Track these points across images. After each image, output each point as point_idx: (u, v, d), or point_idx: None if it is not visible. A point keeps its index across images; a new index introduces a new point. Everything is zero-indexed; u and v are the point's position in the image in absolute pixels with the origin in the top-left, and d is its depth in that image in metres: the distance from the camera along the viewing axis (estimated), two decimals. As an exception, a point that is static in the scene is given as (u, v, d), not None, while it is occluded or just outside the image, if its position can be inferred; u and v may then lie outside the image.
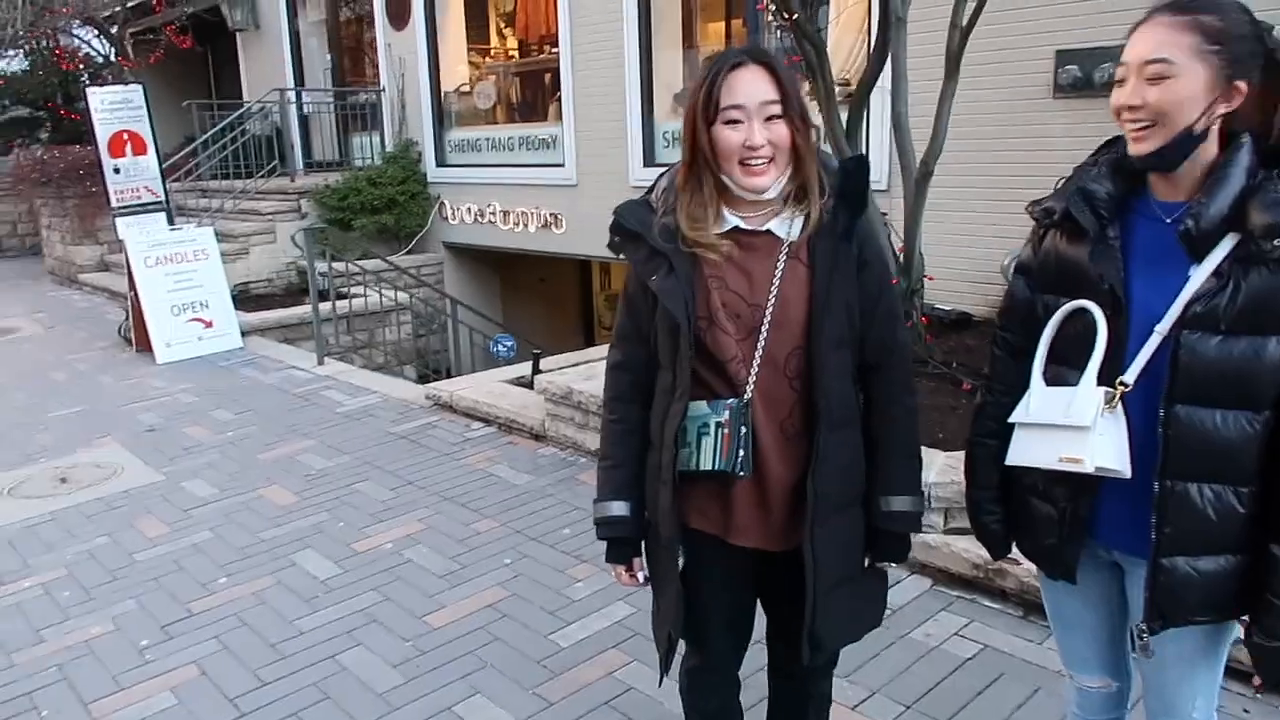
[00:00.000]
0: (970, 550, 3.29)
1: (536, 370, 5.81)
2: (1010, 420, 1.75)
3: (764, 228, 1.80)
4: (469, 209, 10.03)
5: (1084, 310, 1.65)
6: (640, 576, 1.95)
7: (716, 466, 1.79)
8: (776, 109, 1.70)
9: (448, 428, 5.56)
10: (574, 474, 4.74)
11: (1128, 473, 1.58)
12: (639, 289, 1.89)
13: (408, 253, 10.20)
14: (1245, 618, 1.63)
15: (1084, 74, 5.23)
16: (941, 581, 3.39)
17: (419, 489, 4.64)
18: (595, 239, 8.53)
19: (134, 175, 7.97)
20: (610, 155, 8.51)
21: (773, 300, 1.78)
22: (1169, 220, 1.59)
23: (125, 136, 7.94)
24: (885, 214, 5.10)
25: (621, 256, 1.91)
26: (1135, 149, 1.57)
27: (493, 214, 9.78)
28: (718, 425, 1.80)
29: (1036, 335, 1.75)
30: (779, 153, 1.72)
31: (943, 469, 3.42)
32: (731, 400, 1.80)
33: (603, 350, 5.91)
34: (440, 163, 10.47)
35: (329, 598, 3.61)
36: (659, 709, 2.78)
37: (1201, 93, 1.50)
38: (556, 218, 9.18)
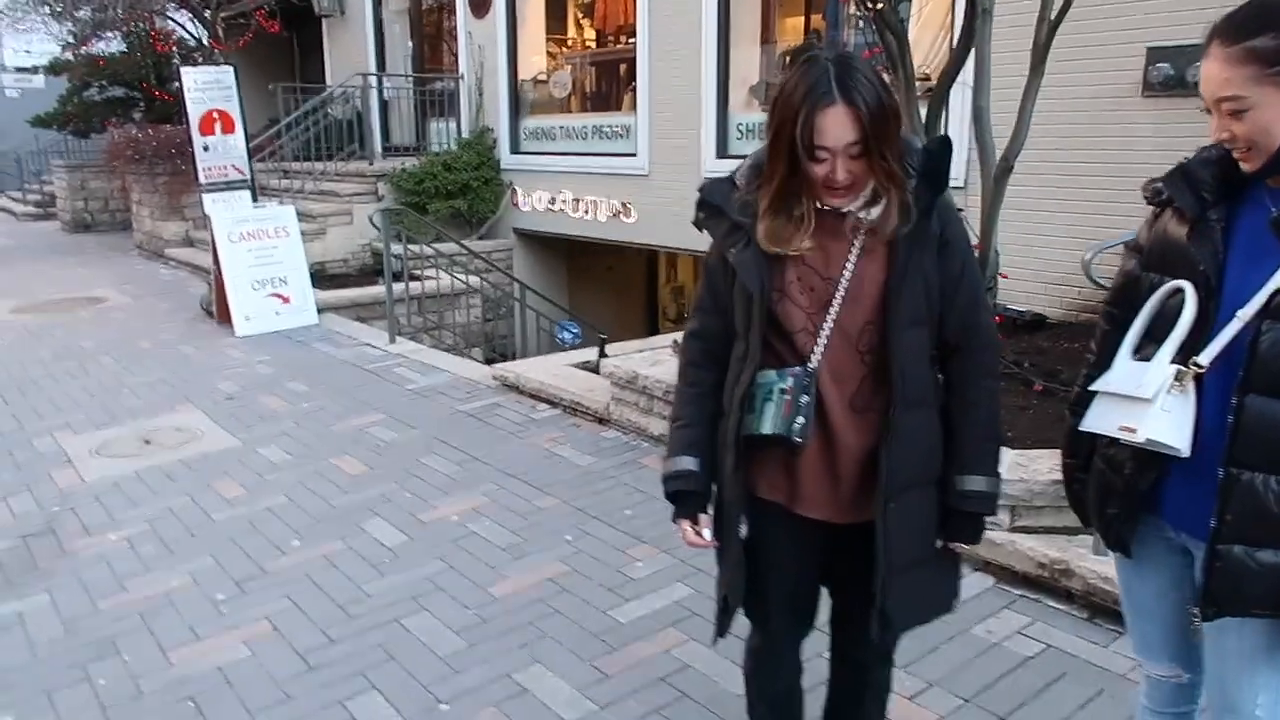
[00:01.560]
0: (1036, 549, 3.24)
1: (602, 355, 5.87)
2: (1092, 388, 1.74)
3: (845, 209, 1.81)
4: (540, 196, 10.14)
5: (1181, 290, 1.64)
6: (707, 534, 1.97)
7: (774, 430, 1.81)
8: (858, 149, 1.70)
9: (513, 408, 5.65)
10: (637, 458, 4.78)
11: (1186, 451, 1.58)
12: (719, 261, 1.92)
13: (480, 237, 10.35)
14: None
15: (1176, 72, 5.09)
16: (1005, 580, 3.35)
17: (484, 465, 4.73)
18: (664, 229, 8.48)
19: (222, 154, 8.22)
20: (683, 146, 8.53)
21: (847, 275, 1.80)
22: (1275, 209, 1.56)
23: (215, 115, 8.20)
24: (961, 210, 5.03)
25: (704, 232, 1.94)
26: (1244, 167, 1.56)
27: (564, 202, 9.88)
28: (781, 392, 1.83)
29: (1135, 309, 1.74)
30: (859, 181, 1.74)
31: (1011, 466, 3.37)
32: (797, 369, 1.82)
33: (667, 339, 5.95)
34: (515, 150, 10.60)
35: (395, 564, 3.70)
36: (714, 687, 2.80)
37: None
38: (626, 207, 9.23)
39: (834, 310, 1.81)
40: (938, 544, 1.93)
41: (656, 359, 5.18)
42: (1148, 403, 1.60)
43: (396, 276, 7.75)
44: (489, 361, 8.15)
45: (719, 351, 1.98)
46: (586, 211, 9.67)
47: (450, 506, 4.24)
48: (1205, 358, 1.58)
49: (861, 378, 1.83)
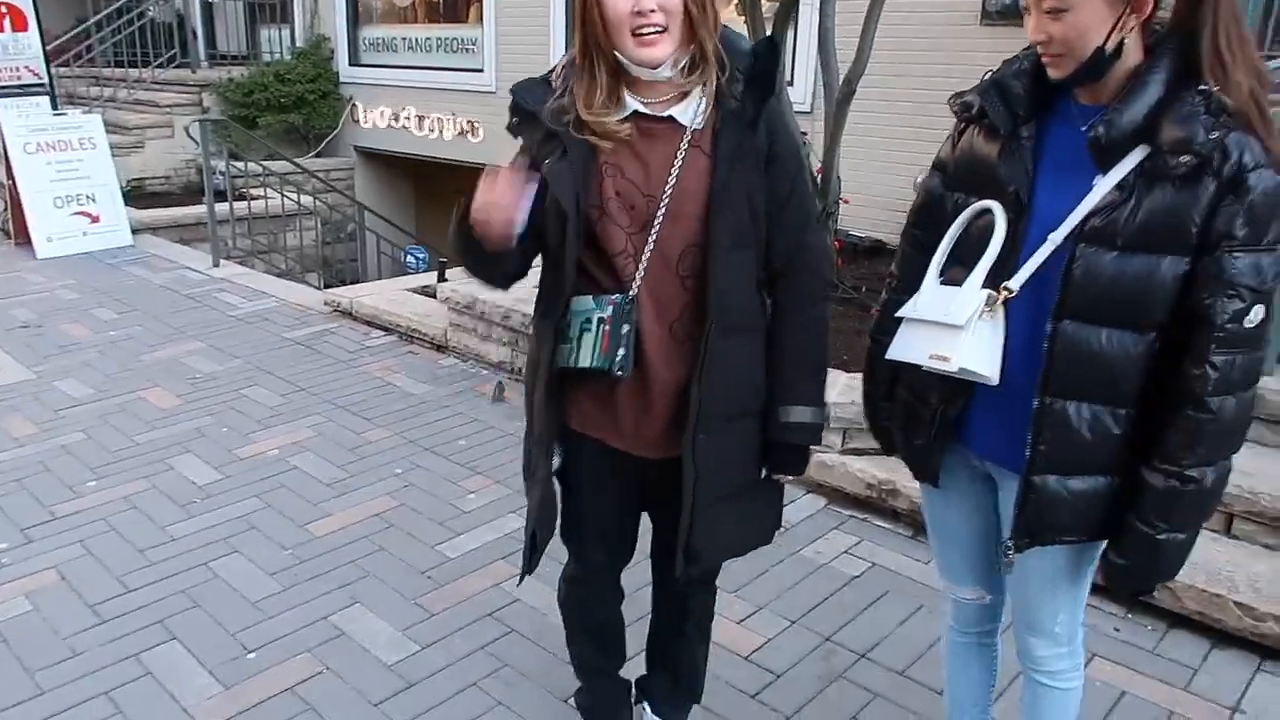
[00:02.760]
0: (865, 470, 3.28)
1: (441, 279, 5.61)
2: (898, 315, 1.69)
3: (666, 114, 1.67)
4: (383, 112, 9.59)
5: (988, 211, 1.59)
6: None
7: (594, 363, 1.70)
8: None
9: (346, 335, 5.35)
10: (474, 385, 4.61)
11: (994, 379, 1.55)
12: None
13: (316, 155, 9.74)
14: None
15: (1013, 1, 5.15)
16: (836, 501, 3.39)
17: (311, 396, 4.46)
18: (513, 150, 8.13)
19: (12, 53, 7.35)
20: (532, 63, 8.17)
21: (669, 191, 1.67)
22: (1084, 126, 1.51)
23: (3, 10, 7.30)
24: (805, 134, 4.99)
25: (519, 139, 1.77)
26: (1052, 73, 1.50)
27: (407, 119, 9.37)
28: (599, 321, 1.71)
29: (943, 234, 1.69)
30: (672, 20, 1.58)
31: (844, 389, 3.39)
32: (616, 296, 1.70)
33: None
34: (354, 61, 9.95)
35: (206, 504, 3.44)
36: (543, 621, 2.72)
37: (1102, 17, 1.42)
38: (474, 126, 8.84)
39: (655, 231, 1.69)
40: (760, 475, 1.87)
41: (497, 283, 4.97)
42: (959, 330, 1.55)
43: (222, 195, 7.19)
44: (326, 287, 7.73)
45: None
46: (432, 130, 9.21)
47: (271, 440, 3.97)
48: (1016, 282, 1.54)
49: (684, 305, 1.73)
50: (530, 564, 1.95)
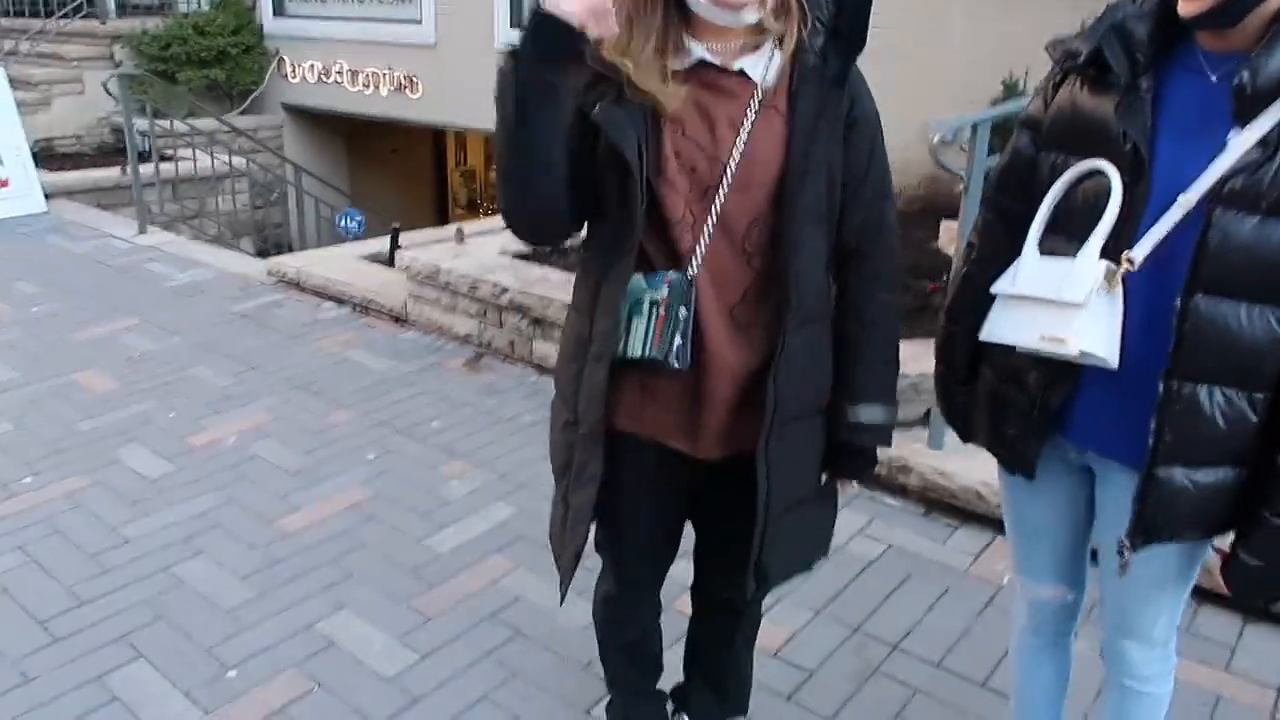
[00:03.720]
0: (873, 446, 3.14)
1: (396, 246, 5.29)
2: (993, 290, 1.51)
3: (735, 66, 1.45)
4: (312, 66, 9.05)
5: (1098, 173, 1.41)
6: None
7: (646, 353, 1.48)
8: None
9: (295, 307, 5.01)
10: (441, 360, 4.33)
11: (1114, 363, 1.38)
12: (578, 119, 1.48)
13: (242, 113, 9.16)
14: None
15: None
16: (840, 478, 3.24)
17: (264, 375, 4.14)
18: (454, 106, 7.72)
19: (-100, 0, 6.68)
20: (474, 14, 7.78)
21: (736, 157, 1.45)
22: (1214, 76, 1.34)
23: (-114, -48, 6.62)
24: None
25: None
26: (1185, 8, 1.30)
27: (339, 74, 8.87)
28: (652, 304, 1.48)
29: (1037, 200, 1.51)
30: None
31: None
32: (673, 275, 1.48)
33: (467, 227, 5.45)
34: (279, 12, 9.36)
35: (161, 500, 3.13)
36: (551, 622, 2.52)
37: None
38: (412, 81, 8.40)
39: (719, 200, 1.47)
40: (821, 480, 1.69)
41: (459, 250, 4.69)
42: (1077, 308, 1.37)
43: (144, 157, 6.69)
44: (261, 254, 7.30)
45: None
46: (366, 85, 8.73)
47: (226, 426, 3.66)
48: (1140, 252, 1.37)
49: (746, 286, 1.52)
50: (567, 583, 1.72)
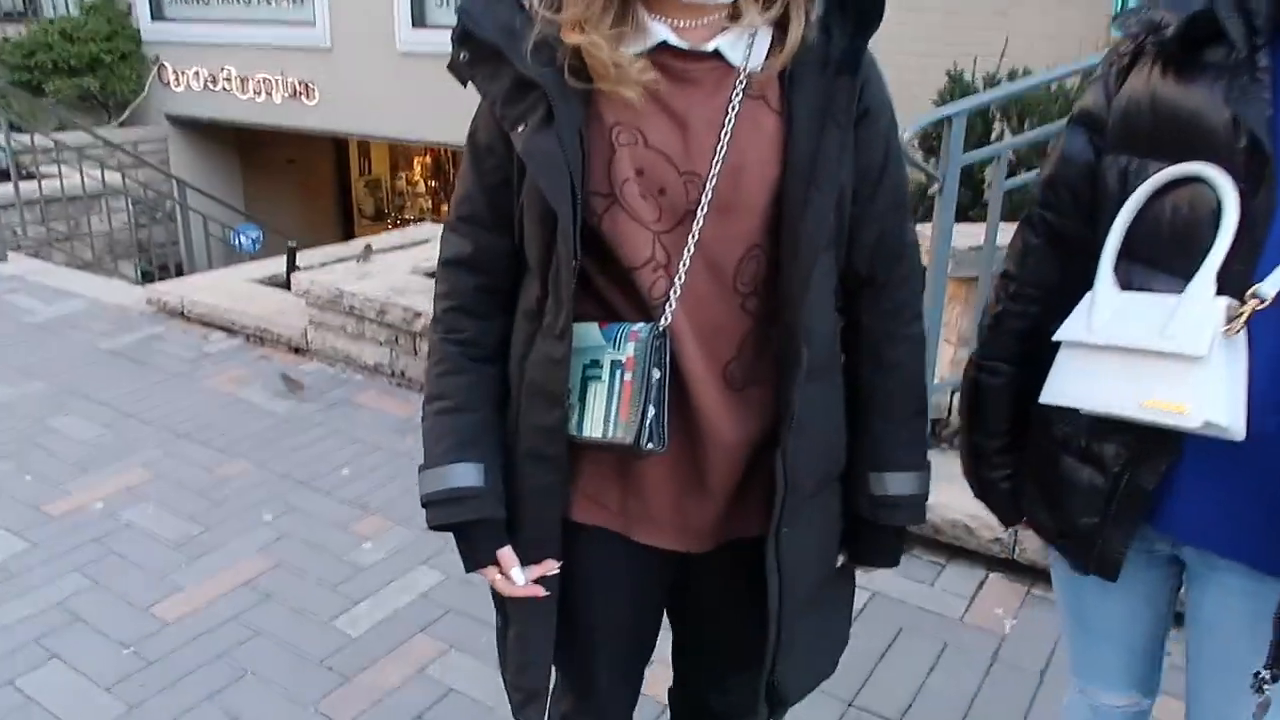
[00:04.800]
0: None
1: (293, 267, 4.77)
2: (1059, 338, 1.16)
3: (709, 47, 1.07)
4: (197, 74, 8.40)
5: (1193, 180, 1.06)
6: (520, 577, 1.20)
7: (610, 434, 1.10)
8: None
9: (179, 340, 4.45)
10: (349, 395, 3.86)
11: (1240, 433, 1.02)
12: (497, 139, 1.13)
13: (122, 124, 8.46)
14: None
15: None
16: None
17: (142, 424, 3.60)
18: (354, 113, 7.10)
19: None
20: (372, 13, 7.26)
21: (718, 166, 1.07)
22: None
23: None
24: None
25: (470, 86, 1.13)
26: None
27: (228, 80, 8.24)
28: (615, 366, 1.10)
29: (1098, 217, 1.16)
30: None
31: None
32: (640, 326, 1.10)
33: (373, 242, 4.96)
34: (157, 15, 8.66)
35: (7, 588, 2.60)
36: (490, 716, 2.10)
37: None
38: (307, 87, 7.84)
39: (698, 227, 1.09)
40: (838, 563, 1.32)
41: (364, 271, 4.21)
42: (1195, 362, 1.02)
43: (3, 175, 6.00)
44: (146, 277, 6.67)
45: (502, 285, 1.21)
46: (258, 92, 8.13)
47: (94, 489, 3.12)
48: (1272, 286, 1.02)
49: (743, 336, 1.14)
50: (529, 714, 1.32)
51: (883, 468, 1.25)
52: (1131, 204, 1.12)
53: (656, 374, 1.08)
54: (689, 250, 1.09)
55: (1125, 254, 1.13)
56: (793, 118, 1.09)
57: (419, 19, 7.12)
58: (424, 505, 1.22)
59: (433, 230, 5.64)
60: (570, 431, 1.14)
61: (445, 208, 11.05)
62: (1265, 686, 1.10)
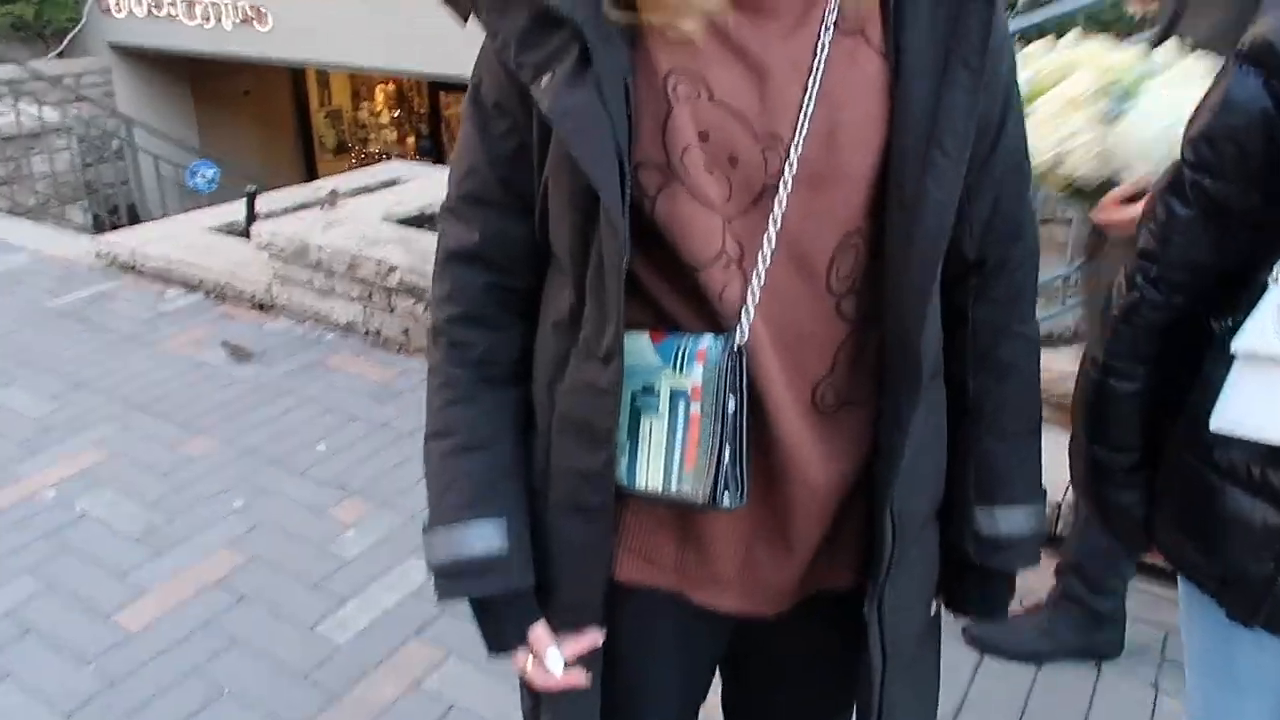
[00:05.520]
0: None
1: (253, 215, 4.42)
2: (1238, 349, 0.93)
3: None
4: (140, -1, 7.86)
5: None
6: (557, 663, 0.97)
7: (674, 488, 0.86)
8: None
9: (132, 298, 4.12)
10: (321, 357, 3.57)
11: None
12: (511, 94, 0.86)
13: (60, 55, 7.91)
14: None
15: None
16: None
17: (95, 394, 3.30)
18: (313, 39, 6.55)
19: None
20: (325, -70, 6.75)
21: (805, 124, 0.81)
22: None
23: None
24: None
25: (470, 22, 0.85)
26: None
27: (173, 6, 7.70)
28: (676, 396, 0.86)
29: (1277, 183, 0.91)
30: None
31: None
32: (708, 341, 0.84)
33: (329, 184, 4.61)
34: (92, -66, 8.06)
35: (-49, 595, 2.35)
36: (500, 739, 1.90)
37: None
38: (259, 11, 7.33)
39: (780, 207, 0.83)
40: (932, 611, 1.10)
41: (331, 218, 3.88)
42: None
43: (-69, 115, 5.55)
44: (96, 222, 6.27)
45: (520, 284, 0.95)
46: (206, 18, 7.61)
47: (44, 473, 2.84)
48: None
49: (837, 346, 0.89)
50: None
51: (994, 501, 1.01)
52: None
53: (732, 404, 0.83)
54: (770, 239, 0.83)
55: None
56: (902, 58, 0.82)
57: (379, -65, 6.62)
58: (434, 575, 0.97)
59: (401, 169, 5.29)
60: (619, 480, 0.89)
61: (410, 140, 10.59)
62: None
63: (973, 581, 1.06)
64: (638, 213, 0.82)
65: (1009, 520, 1.01)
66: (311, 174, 10.08)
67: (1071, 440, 1.16)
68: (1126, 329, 1.06)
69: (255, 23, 7.37)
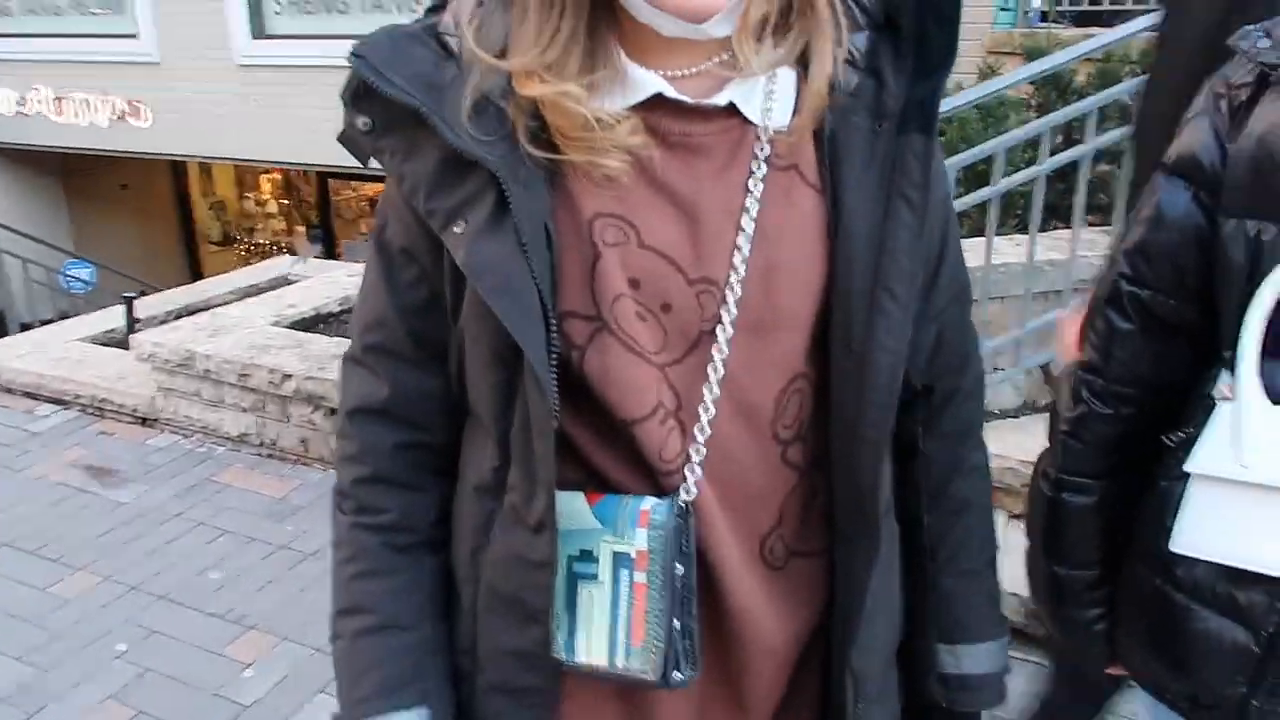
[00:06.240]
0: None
1: (133, 322, 4.19)
2: (1194, 469, 0.91)
3: (718, 101, 0.75)
4: (4, 96, 7.51)
5: None
6: None
7: (620, 665, 0.79)
8: None
9: (-1, 419, 3.83)
10: (212, 473, 3.35)
11: None
12: (420, 240, 0.79)
13: (-86, 157, 7.50)
14: None
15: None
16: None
17: (-45, 533, 3.01)
18: (193, 133, 6.31)
19: None
20: (200, 23, 6.60)
21: (741, 265, 0.77)
22: None
23: None
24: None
25: (372, 163, 0.78)
26: None
27: (40, 102, 7.40)
28: (619, 562, 0.78)
29: (1219, 298, 0.91)
30: None
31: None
32: (651, 503, 0.77)
33: (222, 287, 4.43)
34: (-51, 31, 7.71)
35: None
36: None
37: None
38: (136, 107, 7.10)
39: (718, 354, 0.77)
40: None
41: (216, 325, 3.69)
42: None
43: None
44: (-42, 335, 5.86)
45: (436, 440, 0.87)
46: (78, 114, 7.33)
47: (-107, 630, 2.56)
48: None
49: (784, 496, 0.83)
50: None
51: (956, 639, 0.95)
52: (1273, 284, 0.86)
53: (681, 570, 0.76)
54: (711, 388, 0.77)
55: (1269, 351, 0.88)
56: (840, 195, 0.78)
57: (259, 30, 6.51)
58: None
59: (291, 266, 5.11)
60: (556, 654, 0.80)
61: (300, 228, 10.34)
62: None
63: None
64: (565, 367, 0.75)
65: (973, 659, 0.96)
66: (195, 268, 9.74)
67: (1028, 555, 1.13)
68: (1075, 444, 1.04)
69: (131, 118, 7.12)
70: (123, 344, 4.14)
